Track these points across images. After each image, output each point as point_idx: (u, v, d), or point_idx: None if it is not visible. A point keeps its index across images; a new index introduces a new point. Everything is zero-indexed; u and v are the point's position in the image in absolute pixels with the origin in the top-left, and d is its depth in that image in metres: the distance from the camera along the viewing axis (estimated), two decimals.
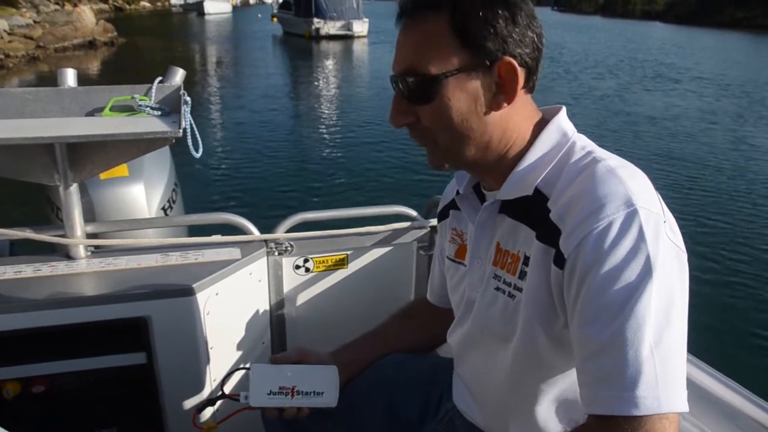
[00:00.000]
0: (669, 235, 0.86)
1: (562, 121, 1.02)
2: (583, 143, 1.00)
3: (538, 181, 0.97)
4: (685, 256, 0.88)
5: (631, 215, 0.84)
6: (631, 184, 0.87)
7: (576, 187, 0.90)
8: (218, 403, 1.30)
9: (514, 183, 0.99)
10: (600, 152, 0.97)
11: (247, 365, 1.25)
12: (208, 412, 1.30)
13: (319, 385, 1.23)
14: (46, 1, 30.73)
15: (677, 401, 0.80)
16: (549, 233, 0.91)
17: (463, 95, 0.94)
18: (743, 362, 4.31)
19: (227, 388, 1.30)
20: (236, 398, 1.23)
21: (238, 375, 1.30)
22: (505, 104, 0.95)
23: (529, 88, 0.99)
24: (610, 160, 0.93)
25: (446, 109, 0.95)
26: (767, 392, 1.19)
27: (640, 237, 0.83)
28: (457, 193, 1.17)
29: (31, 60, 21.91)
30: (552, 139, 1.00)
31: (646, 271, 0.81)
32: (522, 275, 0.99)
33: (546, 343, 0.97)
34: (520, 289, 0.99)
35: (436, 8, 0.93)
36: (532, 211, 0.97)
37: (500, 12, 0.91)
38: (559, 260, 0.89)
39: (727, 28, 61.71)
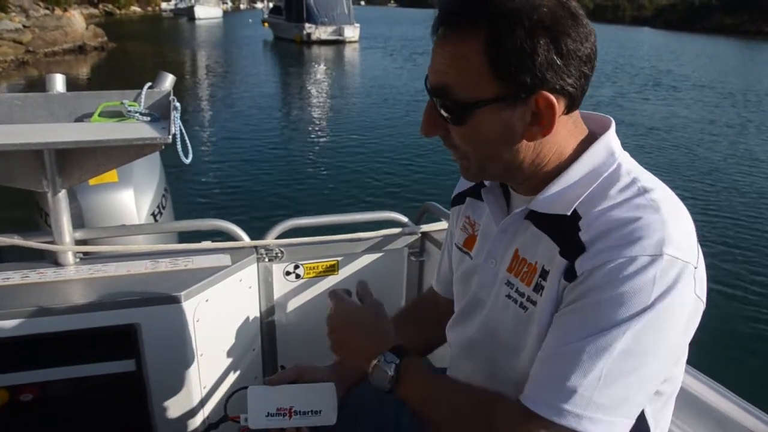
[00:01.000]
0: (691, 285, 0.85)
1: (611, 139, 0.98)
2: (629, 166, 0.96)
3: (579, 201, 0.93)
4: (703, 307, 0.88)
5: (654, 260, 0.82)
6: (670, 227, 0.85)
7: (615, 215, 0.88)
8: (221, 425, 1.30)
9: (552, 198, 0.96)
10: (645, 180, 0.93)
11: (245, 386, 1.25)
12: None
13: (317, 404, 1.22)
14: (35, 5, 30.59)
15: (598, 429, 0.82)
16: (573, 251, 0.89)
17: (495, 125, 0.90)
18: (732, 367, 4.33)
19: (223, 408, 1.30)
20: (237, 420, 1.23)
21: (237, 395, 1.30)
22: (540, 136, 0.91)
23: (571, 110, 0.94)
24: (655, 192, 0.90)
25: (477, 135, 0.92)
26: (756, 397, 1.19)
27: (654, 283, 0.82)
28: (482, 183, 1.14)
29: (20, 65, 21.79)
30: (597, 158, 0.96)
31: (640, 315, 0.81)
32: (537, 288, 0.97)
33: None
34: (533, 302, 0.97)
35: (474, 28, 0.86)
36: (561, 226, 0.94)
37: (542, 42, 0.84)
38: (570, 275, 0.88)
39: (715, 33, 62.28)
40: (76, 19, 29.15)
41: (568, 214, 0.93)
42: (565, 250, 0.92)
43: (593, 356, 0.82)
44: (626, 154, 0.99)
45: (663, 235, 0.84)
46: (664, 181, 0.95)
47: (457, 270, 1.22)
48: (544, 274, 0.96)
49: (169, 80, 1.69)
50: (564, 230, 0.93)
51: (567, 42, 0.86)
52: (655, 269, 0.82)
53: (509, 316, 1.02)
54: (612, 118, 1.01)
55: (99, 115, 1.56)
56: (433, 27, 0.93)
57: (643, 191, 0.90)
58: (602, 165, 0.95)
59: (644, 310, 0.82)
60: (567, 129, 0.96)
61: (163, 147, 1.45)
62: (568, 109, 0.92)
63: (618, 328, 0.82)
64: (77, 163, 1.53)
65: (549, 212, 0.96)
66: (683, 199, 0.93)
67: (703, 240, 0.88)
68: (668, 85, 20.75)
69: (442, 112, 0.93)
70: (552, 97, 0.87)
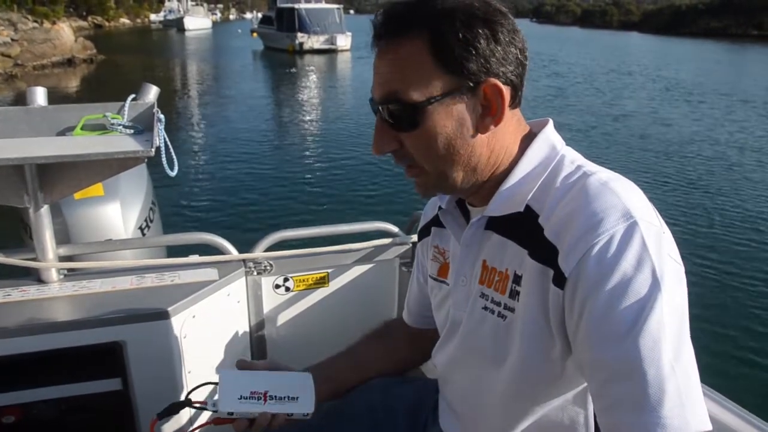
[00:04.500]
0: (668, 249, 0.83)
1: (550, 134, 0.99)
2: (572, 157, 0.97)
3: (530, 197, 0.94)
4: (683, 270, 0.85)
5: (632, 227, 0.81)
6: (627, 197, 0.85)
7: (570, 202, 0.87)
8: (182, 413, 1.19)
9: (504, 199, 0.96)
10: (590, 166, 0.94)
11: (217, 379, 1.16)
12: (171, 423, 1.21)
13: (294, 391, 1.14)
14: (24, 18, 30.42)
15: (702, 419, 0.76)
16: (545, 252, 0.88)
17: (449, 121, 0.90)
18: (731, 377, 4.30)
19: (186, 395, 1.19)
20: (203, 406, 1.12)
21: (207, 388, 1.22)
22: (493, 126, 0.92)
23: (516, 103, 0.96)
24: (601, 173, 0.90)
25: (432, 135, 0.91)
26: (752, 404, 1.17)
27: (644, 249, 0.80)
28: (440, 208, 1.14)
29: (9, 78, 21.74)
30: (541, 153, 0.97)
31: (654, 284, 0.78)
32: (513, 295, 0.95)
33: (541, 369, 0.93)
34: (511, 309, 0.96)
35: (412, 32, 0.89)
36: (522, 227, 0.93)
37: (480, 31, 0.87)
38: (560, 280, 0.85)
39: (702, 37, 62.97)
40: (65, 31, 29.12)
41: (522, 210, 0.94)
42: (534, 252, 0.91)
43: (651, 348, 0.76)
44: (570, 149, 0.99)
45: (624, 204, 0.83)
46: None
47: (435, 299, 1.21)
48: (517, 279, 0.95)
49: (153, 92, 1.66)
50: (527, 231, 0.92)
51: (503, 31, 0.90)
52: (638, 235, 0.81)
53: (488, 328, 1.00)
54: (550, 119, 1.02)
55: (81, 128, 1.53)
56: (373, 43, 0.94)
57: (589, 174, 0.90)
58: (546, 159, 0.96)
59: (655, 275, 0.79)
60: (513, 125, 0.98)
61: (146, 160, 1.42)
62: (512, 100, 0.94)
63: (647, 305, 0.78)
64: (59, 177, 1.49)
65: (503, 213, 0.96)
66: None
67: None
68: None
69: (393, 120, 0.92)
70: (499, 83, 0.90)
